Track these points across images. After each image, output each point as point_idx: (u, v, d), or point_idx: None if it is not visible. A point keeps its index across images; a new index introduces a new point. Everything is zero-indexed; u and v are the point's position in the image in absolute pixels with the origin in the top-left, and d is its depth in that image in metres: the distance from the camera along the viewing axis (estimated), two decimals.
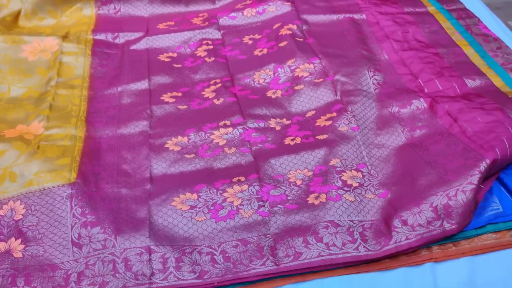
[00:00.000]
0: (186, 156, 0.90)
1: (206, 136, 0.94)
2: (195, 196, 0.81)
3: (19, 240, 0.75)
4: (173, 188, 0.83)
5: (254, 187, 0.82)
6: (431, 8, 1.27)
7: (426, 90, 1.01)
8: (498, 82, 1.02)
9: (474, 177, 0.78)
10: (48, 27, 1.20)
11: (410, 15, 1.23)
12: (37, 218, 0.77)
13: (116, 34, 1.18)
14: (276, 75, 1.07)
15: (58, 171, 0.82)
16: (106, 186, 0.83)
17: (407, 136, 0.92)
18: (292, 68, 1.07)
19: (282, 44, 1.13)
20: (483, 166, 0.80)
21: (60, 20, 1.22)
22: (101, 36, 1.17)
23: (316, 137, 0.92)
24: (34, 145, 0.88)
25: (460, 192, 0.77)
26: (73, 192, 0.79)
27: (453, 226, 0.75)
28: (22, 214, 0.78)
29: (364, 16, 1.23)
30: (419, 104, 0.96)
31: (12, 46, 1.08)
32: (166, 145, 0.92)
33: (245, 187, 0.82)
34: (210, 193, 0.82)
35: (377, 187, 0.83)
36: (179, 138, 0.94)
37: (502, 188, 0.84)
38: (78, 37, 1.14)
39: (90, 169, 0.86)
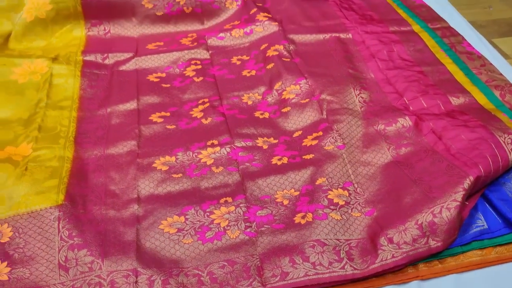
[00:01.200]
0: (174, 175, 0.91)
1: (193, 155, 0.95)
2: (182, 218, 0.82)
3: (5, 263, 0.75)
4: (161, 209, 0.83)
5: (241, 208, 0.83)
6: (416, 27, 1.29)
7: (411, 108, 1.03)
8: (481, 99, 1.04)
9: (458, 194, 0.79)
10: (38, 49, 1.21)
11: (395, 34, 1.25)
12: (24, 241, 0.77)
13: (105, 55, 1.19)
14: (264, 99, 1.08)
15: (46, 193, 0.83)
16: (94, 208, 0.83)
17: (392, 154, 0.93)
18: (279, 91, 1.09)
19: (269, 66, 1.15)
20: (467, 183, 0.81)
21: (51, 42, 1.23)
22: (90, 57, 1.18)
23: (303, 157, 0.93)
24: (22, 166, 0.88)
25: (445, 209, 0.78)
26: (61, 215, 0.79)
27: (439, 244, 0.76)
28: (9, 237, 0.78)
29: (350, 36, 1.25)
30: (405, 122, 0.98)
31: (2, 69, 1.09)
32: (154, 165, 0.93)
33: (232, 208, 0.83)
34: (197, 215, 0.82)
35: (363, 205, 0.84)
36: (167, 157, 0.94)
37: (487, 205, 0.86)
38: (68, 58, 1.15)
39: (78, 190, 0.86)
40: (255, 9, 1.30)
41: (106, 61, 1.18)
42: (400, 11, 1.37)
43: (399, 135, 0.96)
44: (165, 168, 0.92)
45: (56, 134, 0.98)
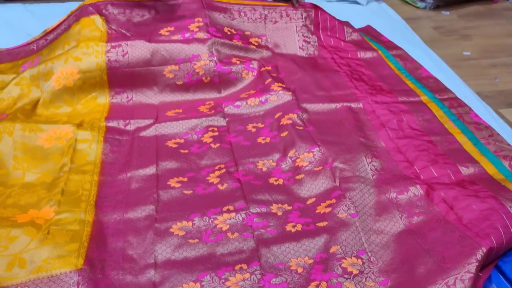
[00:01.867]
0: (190, 241, 0.93)
1: (210, 221, 0.97)
2: (198, 285, 0.83)
3: None
4: (177, 275, 0.85)
5: (256, 275, 0.84)
6: (424, 98, 1.34)
7: (422, 177, 1.05)
8: (491, 169, 1.07)
9: (472, 265, 0.80)
10: (64, 115, 1.27)
11: (404, 104, 1.30)
12: None
13: (127, 121, 1.25)
14: (278, 166, 1.12)
15: (66, 257, 0.85)
16: (112, 272, 0.85)
17: (405, 223, 0.95)
18: (293, 159, 1.12)
19: (283, 134, 1.20)
20: (480, 254, 0.82)
21: (76, 108, 1.30)
22: (113, 123, 1.24)
23: (317, 224, 0.95)
24: (44, 230, 0.91)
25: (459, 280, 0.79)
26: (80, 279, 0.81)
27: None
28: None
29: (361, 105, 1.30)
30: (416, 191, 1.00)
31: (29, 134, 1.14)
32: (171, 230, 0.95)
33: (247, 275, 0.84)
34: (213, 281, 0.83)
35: (377, 275, 0.85)
36: (184, 222, 0.97)
37: (501, 276, 0.86)
38: (92, 124, 1.21)
39: (97, 255, 0.88)
40: (270, 79, 1.37)
41: (128, 127, 1.24)
42: (408, 82, 1.43)
43: (411, 204, 0.98)
44: (182, 233, 0.94)
45: (78, 197, 1.01)
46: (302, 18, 1.61)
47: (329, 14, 1.65)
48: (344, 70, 1.47)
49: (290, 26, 1.60)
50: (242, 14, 1.56)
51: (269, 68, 1.43)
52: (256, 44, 1.52)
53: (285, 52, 1.55)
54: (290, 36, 1.58)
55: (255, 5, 1.60)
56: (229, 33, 1.50)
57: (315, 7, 1.65)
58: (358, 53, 1.57)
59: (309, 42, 1.58)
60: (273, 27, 1.58)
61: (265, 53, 1.50)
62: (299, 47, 1.56)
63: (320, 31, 1.62)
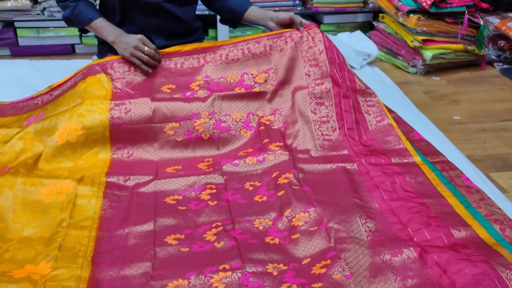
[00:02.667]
0: None
1: (206, 279, 0.97)
2: None
3: None
4: None
5: None
6: (417, 159, 1.38)
7: (415, 239, 1.07)
8: (482, 233, 1.09)
9: None
10: (65, 169, 1.30)
11: (398, 166, 1.34)
12: None
13: (127, 177, 1.28)
14: (275, 225, 1.14)
15: None
16: None
17: (399, 285, 0.95)
18: (289, 218, 1.14)
19: (280, 193, 1.22)
20: None
21: (77, 163, 1.33)
22: (113, 179, 1.26)
23: (312, 285, 0.95)
24: (40, 286, 0.91)
25: None
26: None
27: None
28: None
29: (355, 166, 1.34)
30: (410, 253, 1.01)
31: (30, 188, 1.16)
32: None
33: None
34: None
35: None
36: (180, 281, 0.97)
37: None
38: (93, 180, 1.23)
39: None
40: (267, 140, 1.41)
41: (128, 183, 1.26)
42: (402, 138, 1.46)
43: (405, 267, 0.99)
44: None
45: (75, 253, 1.02)
46: (308, 41, 1.56)
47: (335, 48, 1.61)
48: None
49: (295, 52, 1.56)
50: (246, 51, 1.56)
51: (272, 117, 1.47)
52: (262, 81, 1.53)
53: (291, 85, 1.53)
54: (296, 62, 1.55)
55: (259, 37, 1.59)
56: (232, 80, 1.53)
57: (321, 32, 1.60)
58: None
59: (316, 65, 1.53)
60: (278, 56, 1.55)
61: (268, 104, 1.52)
62: (305, 74, 1.53)
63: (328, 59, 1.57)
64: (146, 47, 1.47)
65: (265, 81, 1.53)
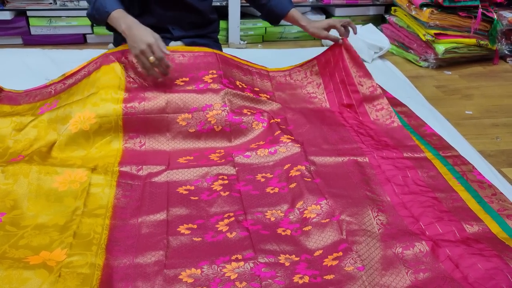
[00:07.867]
0: None
1: (218, 269, 0.98)
2: None
3: None
4: None
5: None
6: (428, 154, 1.38)
7: (427, 233, 1.07)
8: (495, 228, 1.09)
9: None
10: (78, 158, 1.31)
11: (409, 160, 1.34)
12: None
13: (140, 166, 1.29)
14: (286, 217, 1.14)
15: None
16: None
17: (411, 279, 0.96)
18: (301, 210, 1.15)
19: (292, 185, 1.23)
20: None
21: (90, 152, 1.34)
22: (126, 168, 1.27)
23: (324, 277, 0.96)
24: (56, 272, 0.92)
25: None
26: None
27: None
28: None
29: (367, 159, 1.34)
30: (421, 247, 1.02)
31: (45, 177, 1.17)
32: (180, 277, 0.96)
33: None
34: None
35: None
36: (193, 270, 0.98)
37: None
38: (106, 169, 1.24)
39: None
40: (279, 131, 1.41)
41: (140, 173, 1.27)
42: (413, 138, 1.47)
43: (416, 260, 0.99)
44: (190, 280, 0.95)
45: (89, 241, 1.03)
46: (306, 77, 1.72)
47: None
48: (351, 124, 1.52)
49: (296, 84, 1.72)
50: (250, 74, 1.68)
51: (278, 120, 1.49)
52: (265, 97, 1.58)
53: (293, 106, 1.61)
54: (297, 92, 1.70)
55: (261, 69, 1.74)
56: (240, 86, 1.56)
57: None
58: None
59: (315, 97, 1.67)
60: (280, 87, 1.69)
61: (275, 105, 1.56)
62: (308, 99, 1.65)
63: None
64: (151, 56, 1.35)
65: (269, 97, 1.62)
